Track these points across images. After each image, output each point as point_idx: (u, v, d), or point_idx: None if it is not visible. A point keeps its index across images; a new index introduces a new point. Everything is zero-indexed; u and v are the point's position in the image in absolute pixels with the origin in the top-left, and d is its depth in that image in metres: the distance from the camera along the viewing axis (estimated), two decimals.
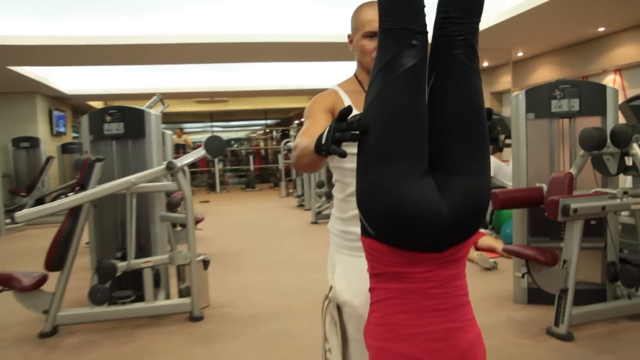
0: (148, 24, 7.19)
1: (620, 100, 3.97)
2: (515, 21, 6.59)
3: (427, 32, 1.17)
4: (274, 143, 18.67)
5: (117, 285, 3.91)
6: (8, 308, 3.79)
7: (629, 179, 4.17)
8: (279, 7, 7.21)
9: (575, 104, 3.60)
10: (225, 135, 19.79)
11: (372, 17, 1.59)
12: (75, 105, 13.27)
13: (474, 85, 1.19)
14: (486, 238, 5.35)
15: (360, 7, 1.65)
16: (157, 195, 4.02)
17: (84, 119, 4.06)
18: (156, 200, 4.02)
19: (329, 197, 7.84)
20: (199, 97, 14.29)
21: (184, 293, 4.08)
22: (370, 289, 1.31)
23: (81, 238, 3.58)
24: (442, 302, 1.25)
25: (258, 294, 4.36)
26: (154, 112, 4.13)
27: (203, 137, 14.81)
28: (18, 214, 3.24)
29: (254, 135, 21.13)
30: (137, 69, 10.40)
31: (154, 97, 5.31)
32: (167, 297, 4.05)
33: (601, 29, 7.35)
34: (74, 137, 12.92)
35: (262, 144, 20.10)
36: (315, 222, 8.09)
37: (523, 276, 3.25)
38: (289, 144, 11.85)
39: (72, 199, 3.37)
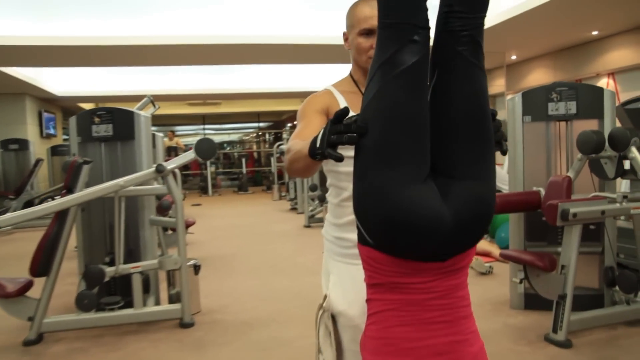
0: (140, 25, 7.10)
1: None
2: (509, 24, 6.56)
3: (429, 27, 1.09)
4: (267, 146, 18.59)
5: (105, 291, 3.81)
6: None
7: (625, 182, 4.14)
8: (272, 9, 7.15)
9: (572, 107, 3.55)
10: (217, 138, 19.70)
11: (369, 14, 1.52)
12: (65, 107, 13.13)
13: (479, 84, 1.12)
14: (481, 242, 5.30)
15: (356, 4, 1.58)
16: (147, 198, 3.94)
17: (72, 121, 3.97)
18: (146, 203, 3.93)
19: (322, 200, 7.78)
20: (191, 99, 14.19)
21: (174, 299, 3.98)
22: (368, 300, 1.24)
23: (68, 242, 3.49)
24: (444, 314, 1.18)
25: (250, 300, 4.27)
26: (144, 113, 4.05)
27: (195, 140, 14.68)
28: (1, 217, 3.14)
29: (247, 138, 21.04)
30: (129, 70, 10.29)
31: (145, 99, 5.21)
32: (157, 303, 3.95)
33: (595, 33, 7.34)
34: (65, 140, 12.76)
35: (254, 147, 20.00)
36: (308, 226, 8.01)
37: (521, 282, 3.19)
38: (281, 146, 11.77)
39: (58, 202, 3.28)
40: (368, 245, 1.17)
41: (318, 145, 1.12)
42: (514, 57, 9.11)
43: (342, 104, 1.58)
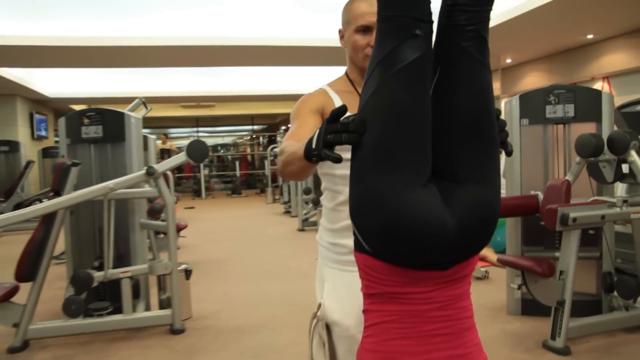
0: (133, 26, 7.02)
1: None
2: (504, 27, 6.53)
3: (432, 21, 1.03)
4: (261, 149, 18.51)
5: (94, 296, 3.73)
6: None
7: (621, 186, 4.09)
8: (266, 10, 7.08)
9: (570, 110, 3.50)
10: (211, 141, 19.61)
11: (366, 10, 1.46)
12: (57, 109, 13.00)
13: (485, 81, 1.06)
14: None
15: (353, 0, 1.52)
16: (137, 201, 3.85)
17: (61, 122, 3.88)
18: (136, 206, 3.85)
19: (316, 204, 7.71)
20: (185, 101, 14.11)
21: (164, 304, 3.90)
22: (365, 311, 1.17)
23: (55, 246, 3.40)
24: (445, 326, 1.11)
25: (242, 305, 4.19)
26: (135, 115, 3.97)
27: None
28: None
29: (241, 140, 20.95)
30: (122, 72, 10.20)
31: (136, 101, 5.12)
32: (147, 308, 3.86)
33: (590, 36, 7.33)
34: (56, 141, 12.62)
35: (248, 150, 19.91)
36: (302, 230, 7.94)
37: (519, 288, 3.12)
38: (275, 149, 11.70)
39: (44, 205, 3.19)
40: (365, 253, 1.11)
41: (314, 146, 1.05)
42: (509, 61, 9.09)
43: (338, 103, 1.52)
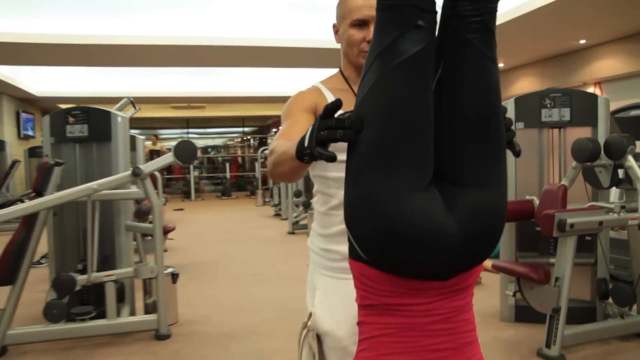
0: (123, 25, 6.91)
1: None
2: (497, 31, 6.48)
3: (436, 11, 0.95)
4: (251, 151, 18.40)
5: (77, 300, 3.62)
6: None
7: (614, 191, 4.05)
8: (258, 11, 7.00)
9: (566, 114, 3.45)
10: (201, 142, 19.47)
11: (362, 3, 1.38)
12: (45, 108, 12.81)
13: (491, 77, 0.98)
14: None
15: None
16: (123, 203, 3.75)
17: (45, 120, 3.77)
18: (122, 208, 3.74)
19: (307, 206, 7.62)
20: (175, 102, 13.98)
21: (150, 308, 3.79)
22: (359, 323, 1.09)
23: (37, 248, 3.29)
24: (446, 340, 1.03)
25: (231, 310, 4.09)
26: (121, 114, 3.86)
27: None
28: None
29: (231, 142, 20.82)
30: (111, 71, 10.08)
31: (124, 100, 5.00)
32: (132, 313, 3.76)
33: (583, 41, 7.33)
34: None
35: (239, 152, 19.79)
36: (292, 233, 7.85)
37: (514, 295, 3.06)
38: (266, 151, 11.61)
39: (25, 206, 3.08)
40: (360, 261, 1.03)
41: (306, 144, 0.97)
42: (501, 65, 9.07)
43: None
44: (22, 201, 3.89)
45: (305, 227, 7.75)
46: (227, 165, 15.53)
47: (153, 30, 7.00)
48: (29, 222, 3.18)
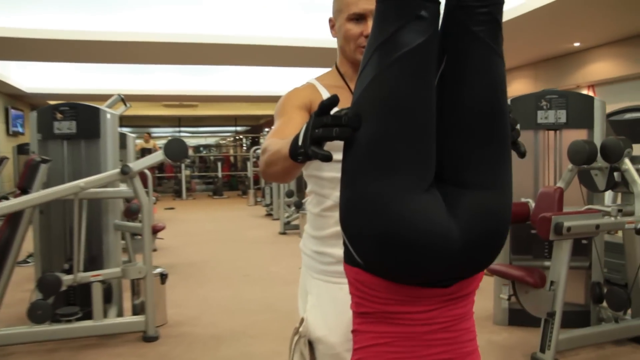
0: (115, 21, 6.80)
1: None
2: None
3: (439, 2, 0.90)
4: (244, 150, 18.31)
5: (64, 301, 3.53)
6: None
7: (608, 194, 4.02)
8: (252, 9, 6.93)
9: (562, 116, 3.42)
10: (193, 141, 19.36)
11: None
12: (35, 104, 12.64)
13: (498, 73, 0.93)
14: None
15: None
16: (112, 201, 3.68)
17: (32, 116, 3.69)
18: (110, 207, 3.67)
19: (299, 207, 7.56)
20: (167, 100, 13.86)
21: (138, 309, 3.72)
22: (354, 331, 1.03)
23: (21, 247, 3.21)
24: (446, 350, 0.98)
25: (220, 311, 4.03)
26: (111, 111, 3.79)
27: None
28: None
29: (223, 142, 20.72)
30: (103, 68, 9.96)
31: (114, 97, 4.92)
32: (120, 314, 3.68)
33: (577, 44, 7.31)
34: None
35: (231, 151, 19.69)
36: (283, 233, 7.78)
37: (509, 299, 3.02)
38: (258, 151, 11.53)
39: (9, 203, 3.00)
40: (356, 266, 0.97)
41: (300, 142, 0.91)
42: None
43: None
44: (7, 198, 3.80)
45: (297, 227, 7.69)
46: (219, 164, 15.44)
47: (145, 27, 6.90)
48: (13, 220, 3.10)
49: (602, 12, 5.72)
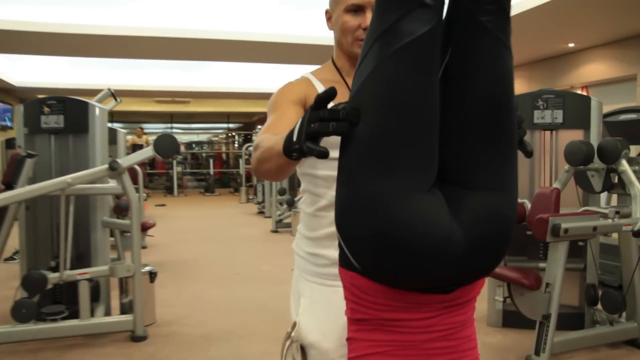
0: (108, 14, 6.70)
1: None
2: None
3: None
4: (236, 147, 18.21)
5: (50, 299, 3.45)
6: None
7: (603, 196, 4.00)
8: (245, 5, 6.85)
9: (558, 116, 3.38)
10: (186, 138, 19.24)
11: None
12: (24, 98, 12.47)
13: (505, 66, 0.87)
14: None
15: None
16: (100, 198, 3.59)
17: (19, 110, 3.61)
18: (98, 203, 3.58)
19: (291, 204, 7.50)
20: (159, 96, 13.75)
21: (126, 308, 3.65)
22: (349, 339, 0.97)
23: (6, 243, 3.12)
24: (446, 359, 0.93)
25: (210, 310, 3.96)
26: (100, 105, 3.70)
27: None
28: None
29: (216, 138, 20.60)
30: (94, 63, 9.82)
31: (104, 91, 4.84)
32: (107, 313, 3.60)
33: (571, 45, 7.30)
34: None
35: (223, 148, 19.57)
36: (275, 231, 7.72)
37: (504, 301, 2.98)
38: (250, 148, 11.45)
39: None
40: (353, 270, 0.92)
41: (295, 138, 0.85)
42: None
43: None
44: None
45: (289, 225, 7.63)
46: (211, 161, 15.35)
47: (138, 21, 6.81)
48: None
49: (597, 13, 5.70)
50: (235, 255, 6.08)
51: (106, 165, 3.15)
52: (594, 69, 7.39)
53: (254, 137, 12.58)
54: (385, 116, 0.83)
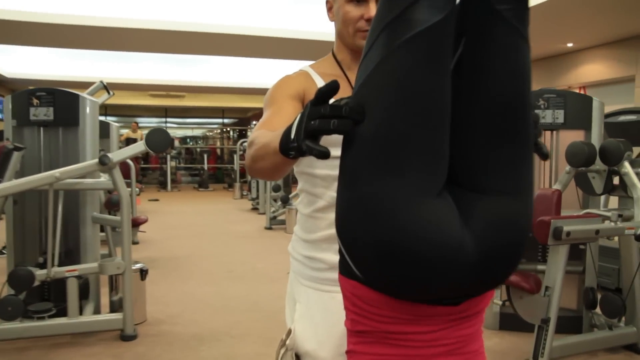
0: (102, 5, 6.59)
1: None
2: None
3: None
4: (231, 143, 18.11)
5: (37, 297, 3.37)
6: None
7: (603, 198, 3.95)
8: None
9: (559, 116, 3.32)
10: (180, 132, 19.12)
11: None
12: (15, 90, 12.31)
13: (522, 60, 0.80)
14: None
15: None
16: (90, 193, 3.50)
17: (7, 101, 3.51)
18: (88, 198, 3.50)
19: (285, 201, 7.44)
20: (154, 90, 13.63)
21: (116, 306, 3.57)
22: (349, 352, 0.91)
23: None
24: None
25: (202, 309, 3.88)
26: (91, 98, 3.61)
27: None
28: None
29: (210, 133, 20.50)
30: (88, 55, 9.70)
31: (96, 83, 4.75)
32: (97, 311, 3.52)
33: (570, 45, 7.26)
34: None
35: (218, 143, 19.47)
36: (269, 228, 7.64)
37: (504, 304, 2.92)
38: (245, 143, 11.36)
39: None
40: (354, 279, 0.85)
41: (293, 135, 0.78)
42: None
43: None
44: None
45: (283, 222, 7.56)
46: (205, 156, 15.26)
47: (133, 13, 6.71)
48: None
49: (596, 13, 5.66)
50: (229, 252, 6.01)
51: (96, 160, 3.06)
52: (593, 69, 7.36)
53: (249, 133, 12.50)
54: (393, 113, 0.76)
